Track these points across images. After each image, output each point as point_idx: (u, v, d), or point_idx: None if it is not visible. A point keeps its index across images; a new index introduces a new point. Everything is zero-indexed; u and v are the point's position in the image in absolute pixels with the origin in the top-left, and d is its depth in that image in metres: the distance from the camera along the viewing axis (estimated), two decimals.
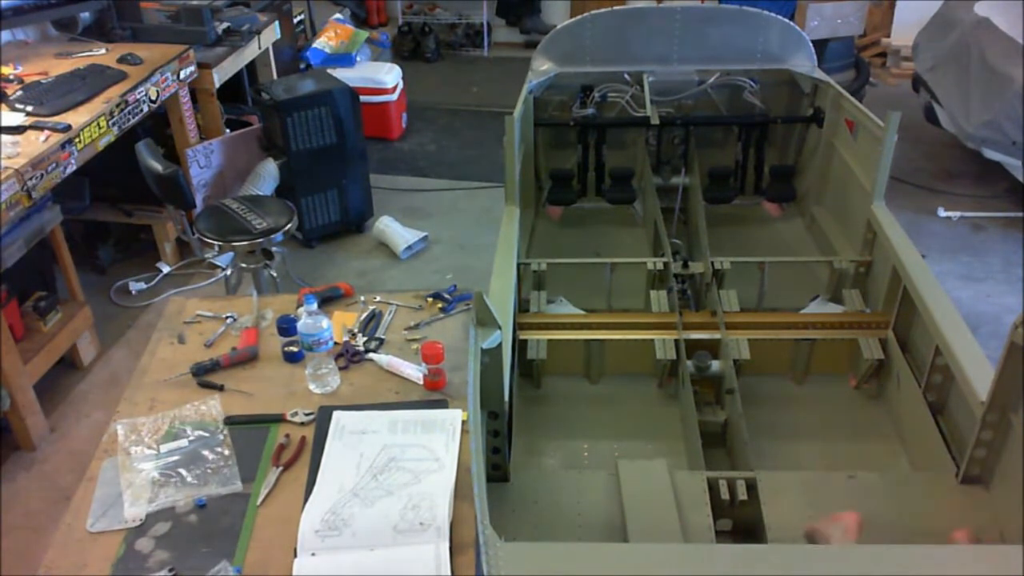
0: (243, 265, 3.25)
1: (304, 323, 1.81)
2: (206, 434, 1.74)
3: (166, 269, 4.03)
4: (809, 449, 2.61)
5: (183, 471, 1.66)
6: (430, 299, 2.10)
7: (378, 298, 2.13)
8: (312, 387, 1.85)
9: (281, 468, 1.66)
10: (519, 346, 2.80)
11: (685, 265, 3.12)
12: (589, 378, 2.91)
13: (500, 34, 7.05)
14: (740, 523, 2.26)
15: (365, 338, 1.98)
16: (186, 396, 1.84)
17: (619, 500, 2.18)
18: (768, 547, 1.99)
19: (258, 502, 1.59)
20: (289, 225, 3.17)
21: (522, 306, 3.03)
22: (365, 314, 2.05)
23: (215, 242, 3.12)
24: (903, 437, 2.60)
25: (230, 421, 1.77)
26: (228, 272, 3.40)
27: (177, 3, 3.99)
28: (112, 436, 1.74)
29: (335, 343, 1.91)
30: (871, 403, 2.78)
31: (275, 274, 3.30)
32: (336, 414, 1.76)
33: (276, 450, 1.70)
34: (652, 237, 3.51)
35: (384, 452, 1.65)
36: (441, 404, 1.80)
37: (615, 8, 3.71)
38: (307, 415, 1.78)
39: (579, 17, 3.66)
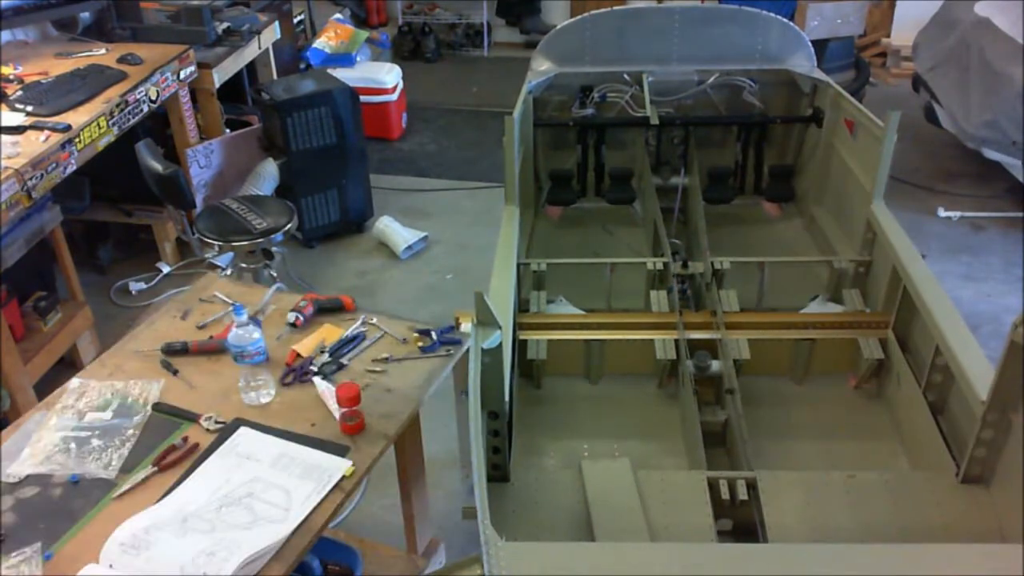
0: (243, 265, 3.25)
1: (234, 333, 1.79)
2: (126, 415, 1.73)
3: (166, 269, 4.03)
4: (809, 449, 2.61)
5: (74, 445, 1.65)
6: (416, 334, 2.07)
7: (374, 319, 2.11)
8: (243, 397, 1.84)
9: (155, 469, 1.64)
10: (519, 346, 2.80)
11: (685, 265, 3.12)
12: (589, 378, 2.91)
13: (500, 34, 7.05)
14: (740, 523, 2.26)
15: (328, 359, 1.94)
16: (142, 372, 1.84)
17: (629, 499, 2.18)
18: (768, 547, 1.98)
19: (115, 495, 1.57)
20: (289, 225, 3.17)
21: (522, 306, 3.03)
22: (349, 331, 2.03)
23: (215, 242, 3.12)
24: (903, 437, 2.60)
25: (157, 408, 1.76)
26: (228, 272, 3.40)
27: (177, 3, 3.99)
28: (62, 391, 1.74)
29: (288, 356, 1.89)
30: (871, 403, 2.77)
31: (275, 274, 3.30)
32: (241, 430, 1.72)
33: (165, 450, 1.67)
34: (652, 237, 3.51)
35: (248, 485, 1.61)
36: (341, 449, 1.72)
37: (615, 8, 3.71)
38: (218, 423, 1.74)
39: (579, 17, 3.66)
